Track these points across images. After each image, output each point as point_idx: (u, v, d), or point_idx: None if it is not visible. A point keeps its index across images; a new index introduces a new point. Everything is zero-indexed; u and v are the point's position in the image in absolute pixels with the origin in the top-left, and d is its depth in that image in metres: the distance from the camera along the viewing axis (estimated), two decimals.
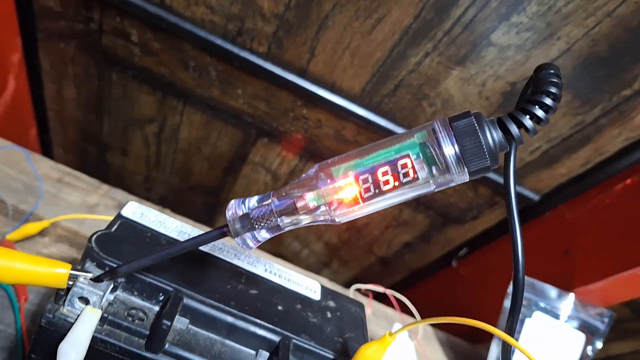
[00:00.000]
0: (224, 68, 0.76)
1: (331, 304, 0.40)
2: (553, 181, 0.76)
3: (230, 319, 0.34)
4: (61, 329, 0.30)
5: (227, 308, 0.34)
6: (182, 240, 0.39)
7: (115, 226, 0.36)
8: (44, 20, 0.78)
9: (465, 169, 0.26)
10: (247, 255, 0.40)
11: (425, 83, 0.68)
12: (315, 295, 0.40)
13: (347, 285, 1.20)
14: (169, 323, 0.31)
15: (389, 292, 0.74)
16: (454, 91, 0.67)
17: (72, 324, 0.30)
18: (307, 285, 0.41)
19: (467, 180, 0.26)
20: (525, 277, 0.69)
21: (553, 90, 0.26)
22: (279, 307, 0.37)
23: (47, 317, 0.30)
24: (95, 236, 0.34)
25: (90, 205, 0.70)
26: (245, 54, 0.71)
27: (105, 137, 1.01)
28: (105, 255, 0.32)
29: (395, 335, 0.31)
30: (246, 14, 0.67)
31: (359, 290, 0.76)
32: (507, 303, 0.69)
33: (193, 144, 0.94)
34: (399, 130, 0.74)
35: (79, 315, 0.30)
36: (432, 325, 0.83)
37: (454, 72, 0.65)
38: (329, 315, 0.39)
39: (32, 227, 0.57)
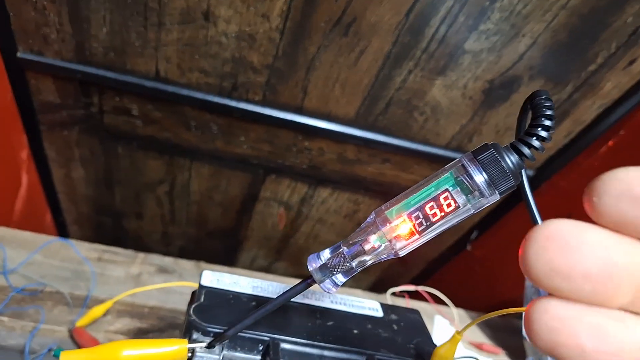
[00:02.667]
0: (224, 121, 0.81)
1: (393, 317, 0.46)
2: (543, 155, 0.84)
3: (321, 351, 0.39)
4: None
5: (317, 343, 0.39)
6: (258, 294, 0.45)
7: (202, 296, 0.41)
8: (45, 113, 0.83)
9: (496, 191, 0.32)
10: (313, 293, 0.46)
11: (413, 96, 0.74)
12: (378, 313, 0.46)
13: (372, 289, 1.26)
14: None
15: (420, 288, 0.80)
16: (440, 98, 0.74)
17: None
18: (369, 305, 0.47)
19: (499, 199, 0.33)
20: None
21: (549, 112, 0.32)
22: (355, 331, 0.42)
23: None
24: (192, 309, 0.39)
25: (134, 275, 0.75)
26: (242, 105, 0.77)
27: (118, 206, 1.05)
28: (207, 324, 0.38)
29: (463, 332, 0.37)
30: (238, 71, 0.72)
31: (394, 293, 0.82)
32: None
33: (205, 194, 0.99)
34: (396, 142, 0.81)
35: None
36: (462, 306, 0.89)
37: (437, 81, 0.72)
38: (395, 327, 0.45)
39: (98, 310, 0.62)
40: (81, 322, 0.61)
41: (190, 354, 0.36)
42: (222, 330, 0.37)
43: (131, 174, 0.95)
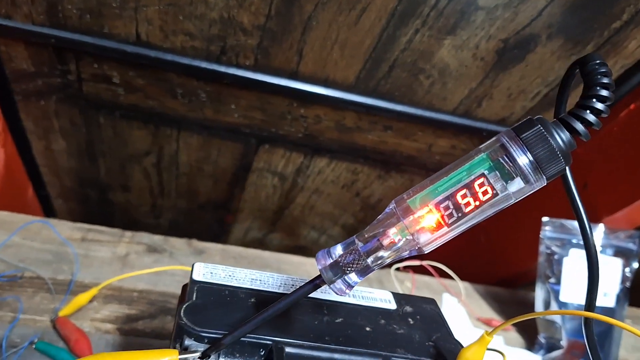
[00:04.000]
0: (212, 88, 0.75)
1: (408, 309, 0.42)
2: None
3: (330, 355, 0.35)
4: None
5: (325, 345, 0.35)
6: (257, 287, 0.40)
7: (195, 294, 0.36)
8: (19, 82, 0.76)
9: (543, 176, 0.27)
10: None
11: (419, 58, 0.68)
12: (391, 305, 0.42)
13: None
14: None
15: (425, 263, 0.76)
16: (449, 59, 0.68)
17: None
18: (380, 297, 0.42)
19: (545, 184, 0.27)
20: (554, 219, 0.71)
21: (606, 81, 0.27)
22: (367, 329, 0.38)
23: None
24: (182, 311, 0.34)
25: (121, 256, 0.70)
26: (232, 71, 0.71)
27: (103, 179, 1.00)
28: (200, 328, 0.33)
29: (493, 334, 0.33)
30: (227, 33, 0.66)
31: (398, 268, 0.78)
32: (542, 248, 0.72)
33: (194, 165, 0.94)
34: (400, 108, 0.75)
35: None
36: (469, 279, 0.86)
37: (446, 41, 0.65)
38: (411, 321, 0.40)
39: (82, 298, 0.57)
40: (64, 311, 0.56)
41: None
42: (217, 336, 0.32)
43: (115, 145, 0.89)
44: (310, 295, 0.40)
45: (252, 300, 0.38)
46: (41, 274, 0.62)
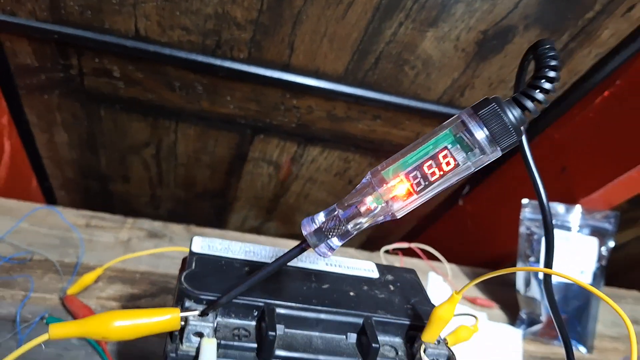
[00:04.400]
0: (209, 81, 0.78)
1: (389, 277, 0.46)
2: None
3: (317, 315, 0.39)
4: None
5: (312, 307, 0.39)
6: (250, 259, 0.44)
7: (194, 263, 0.40)
8: (23, 77, 0.80)
9: (498, 147, 0.31)
10: (307, 256, 0.45)
11: (403, 50, 0.72)
12: (374, 273, 0.46)
13: (364, 247, 1.26)
14: (274, 333, 0.35)
15: (414, 245, 0.80)
16: (432, 51, 0.72)
17: (195, 356, 0.35)
18: (364, 267, 0.46)
19: (500, 155, 0.31)
20: (533, 200, 0.75)
21: (554, 63, 0.30)
22: (351, 293, 0.42)
23: (171, 356, 0.35)
24: (183, 277, 0.38)
25: (124, 241, 0.74)
26: (227, 64, 0.74)
27: (104, 170, 1.03)
28: (199, 292, 0.37)
29: (462, 292, 0.37)
30: (221, 27, 0.69)
31: (387, 251, 0.81)
32: (522, 229, 0.76)
33: (192, 156, 0.97)
34: (387, 98, 0.79)
35: (198, 348, 0.35)
36: (456, 261, 0.90)
37: (429, 33, 0.69)
38: (391, 288, 0.44)
39: (88, 278, 0.61)
40: (72, 289, 0.60)
41: (183, 323, 0.35)
42: (215, 298, 0.36)
43: (115, 137, 0.93)
44: (300, 265, 0.44)
45: (246, 269, 0.42)
46: (49, 256, 0.66)
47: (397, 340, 0.40)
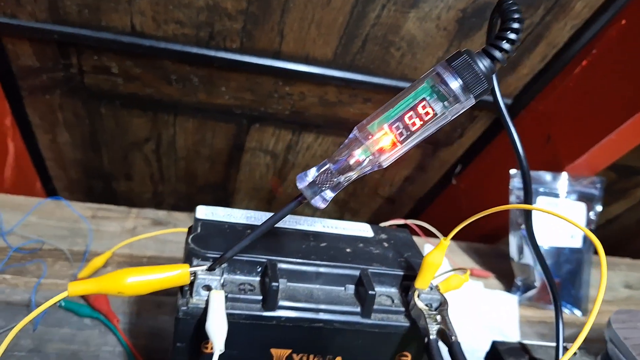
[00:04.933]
0: (204, 72, 0.81)
1: (383, 236, 0.49)
2: (520, 82, 0.85)
3: (316, 269, 0.42)
4: (196, 315, 0.38)
5: (312, 262, 0.42)
6: (252, 223, 0.46)
7: (199, 228, 0.43)
8: (25, 78, 0.83)
9: (471, 95, 0.34)
10: (305, 220, 0.48)
11: (388, 32, 0.75)
12: (369, 233, 0.49)
13: None
14: (277, 284, 0.38)
15: (409, 221, 0.83)
16: (415, 31, 0.75)
17: (204, 308, 0.38)
18: (359, 228, 0.49)
19: (474, 103, 0.34)
20: None
21: (517, 16, 0.34)
22: (347, 250, 0.45)
23: (183, 309, 0.38)
24: (190, 239, 0.41)
25: (130, 229, 0.77)
26: (221, 54, 0.77)
27: (107, 168, 1.06)
28: (206, 251, 0.40)
29: (449, 238, 0.40)
30: (213, 19, 0.72)
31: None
32: (512, 198, 0.79)
33: (191, 149, 1.00)
34: (376, 80, 0.82)
35: (207, 300, 0.38)
36: (453, 238, 0.93)
37: (411, 14, 0.72)
38: (385, 245, 0.47)
39: (98, 261, 0.64)
40: (83, 273, 0.63)
41: (192, 278, 0.38)
42: (218, 256, 0.39)
43: (117, 134, 0.96)
44: (298, 227, 0.47)
45: (248, 231, 0.45)
46: (59, 245, 0.69)
47: (393, 291, 0.43)
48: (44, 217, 0.74)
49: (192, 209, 1.09)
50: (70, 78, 0.82)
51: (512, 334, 0.72)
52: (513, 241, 0.79)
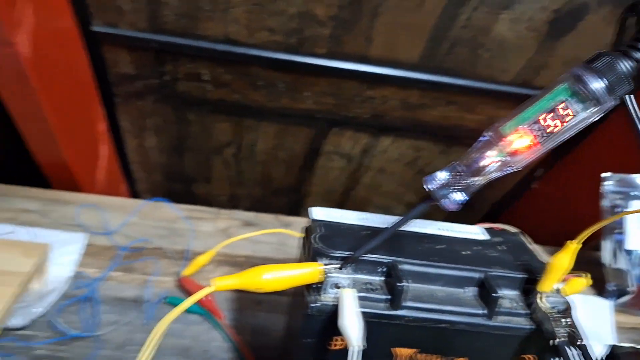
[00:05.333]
0: (290, 78, 0.83)
1: (497, 239, 0.49)
2: None
3: (438, 271, 0.42)
4: (325, 313, 0.39)
5: (433, 263, 0.42)
6: (366, 224, 0.47)
7: (319, 228, 0.45)
8: (121, 85, 0.87)
9: (613, 97, 0.33)
10: (417, 223, 0.49)
11: (478, 34, 0.74)
12: (483, 236, 0.49)
13: None
14: (404, 284, 0.39)
15: (499, 225, 0.82)
16: (505, 33, 0.74)
17: (334, 305, 0.39)
18: (472, 231, 0.49)
19: (615, 104, 0.34)
20: (614, 174, 0.76)
21: None
22: (465, 252, 0.45)
23: (312, 306, 0.39)
24: (315, 238, 0.42)
25: (223, 229, 0.79)
26: (308, 60, 0.79)
27: (188, 172, 1.10)
28: (331, 250, 0.41)
29: (579, 242, 0.39)
30: (304, 25, 0.74)
31: None
32: (605, 202, 0.77)
33: (270, 153, 1.03)
34: (462, 82, 0.81)
35: (339, 298, 0.39)
36: (536, 241, 0.91)
37: (502, 16, 0.72)
38: (500, 248, 0.47)
39: (202, 259, 0.66)
40: (187, 271, 0.66)
41: (322, 276, 0.39)
42: (346, 255, 0.40)
43: (201, 139, 0.99)
44: (413, 229, 0.47)
45: (365, 232, 0.46)
46: (162, 245, 0.72)
47: (514, 293, 0.43)
48: (143, 217, 0.78)
49: (266, 212, 1.11)
50: (164, 85, 0.86)
51: (608, 340, 0.70)
52: (606, 246, 0.77)
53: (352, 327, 0.36)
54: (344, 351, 0.41)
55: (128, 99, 0.90)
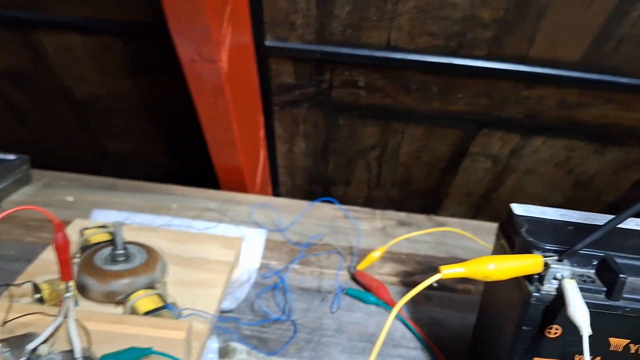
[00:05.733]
0: (444, 80, 0.85)
1: None
2: None
3: None
4: (545, 302, 0.41)
5: None
6: (568, 220, 0.48)
7: (524, 223, 0.46)
8: (280, 95, 0.94)
9: None
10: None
11: None
12: None
13: None
14: (625, 276, 0.40)
15: None
16: None
17: (554, 295, 0.41)
18: None
19: None
20: None
21: None
22: None
23: (535, 295, 0.41)
24: (524, 232, 0.44)
25: (380, 228, 0.83)
26: (465, 62, 0.81)
27: (329, 174, 1.15)
28: (543, 243, 0.43)
29: None
30: (466, 29, 0.76)
31: None
32: None
33: (413, 155, 1.05)
34: (624, 80, 0.79)
35: (560, 288, 0.40)
36: None
37: None
38: None
39: (374, 256, 0.70)
40: (361, 265, 0.70)
41: (542, 267, 0.41)
42: (558, 249, 0.42)
43: (347, 143, 1.04)
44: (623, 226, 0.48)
45: (570, 227, 0.47)
46: (329, 241, 0.78)
47: None
48: (307, 217, 0.84)
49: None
50: (320, 93, 0.92)
51: None
52: None
53: (582, 314, 0.38)
54: (560, 339, 0.43)
55: (284, 107, 0.96)
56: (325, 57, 0.83)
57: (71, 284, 0.46)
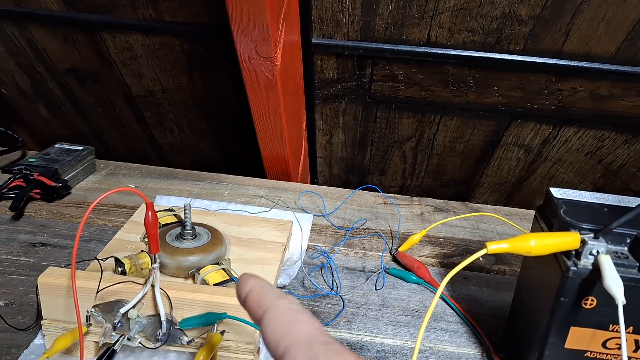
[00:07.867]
0: (481, 74, 0.90)
1: None
2: None
3: None
4: (583, 275, 0.45)
5: None
6: (602, 202, 0.53)
7: (562, 205, 0.51)
8: (322, 89, 0.99)
9: None
10: None
11: None
12: None
13: None
14: None
15: None
16: None
17: (590, 269, 0.45)
18: None
19: None
20: None
21: None
22: None
23: (572, 269, 0.46)
24: (563, 213, 0.49)
25: (418, 214, 0.88)
26: (502, 56, 0.85)
27: (366, 165, 1.21)
28: (580, 222, 0.47)
29: None
30: (505, 25, 0.80)
31: None
32: None
33: (447, 146, 1.10)
34: None
35: (596, 263, 0.45)
36: None
37: None
38: None
39: (415, 239, 0.76)
40: (403, 247, 0.75)
41: (579, 244, 0.46)
42: (594, 227, 0.46)
43: (384, 134, 1.09)
44: None
45: (604, 209, 0.51)
46: (371, 225, 0.83)
47: None
48: (348, 203, 0.90)
49: None
50: (360, 87, 0.97)
51: None
52: None
53: (617, 285, 0.43)
54: (595, 310, 0.47)
55: (326, 101, 1.02)
56: (367, 53, 0.88)
57: (157, 256, 0.52)
